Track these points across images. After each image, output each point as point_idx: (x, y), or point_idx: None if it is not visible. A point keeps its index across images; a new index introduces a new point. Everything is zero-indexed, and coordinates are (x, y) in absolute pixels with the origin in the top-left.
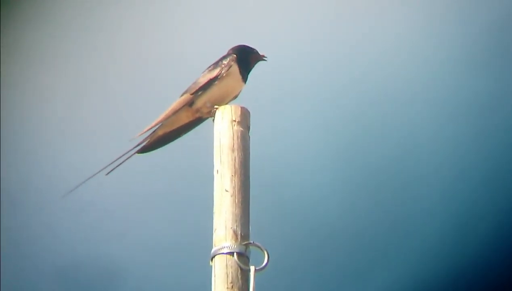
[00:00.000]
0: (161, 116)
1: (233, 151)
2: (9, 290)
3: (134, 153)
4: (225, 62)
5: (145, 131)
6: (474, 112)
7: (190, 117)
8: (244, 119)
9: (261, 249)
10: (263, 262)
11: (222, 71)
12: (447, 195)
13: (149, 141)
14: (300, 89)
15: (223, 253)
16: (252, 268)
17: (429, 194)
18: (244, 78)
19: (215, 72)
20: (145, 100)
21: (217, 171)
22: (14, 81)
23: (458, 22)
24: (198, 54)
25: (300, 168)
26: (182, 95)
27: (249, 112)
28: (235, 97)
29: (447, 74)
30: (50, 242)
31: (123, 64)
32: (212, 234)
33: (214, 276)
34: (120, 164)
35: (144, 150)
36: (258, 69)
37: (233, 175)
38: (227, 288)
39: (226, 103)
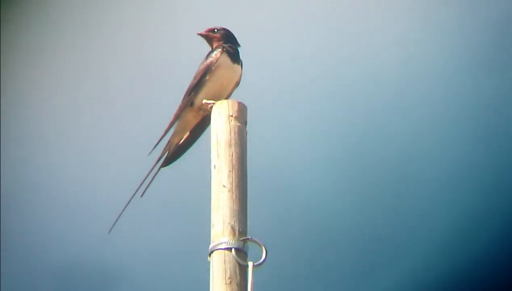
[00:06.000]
0: (168, 124)
1: (230, 146)
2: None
3: (159, 168)
4: (212, 55)
5: (157, 143)
6: (478, 113)
7: (198, 117)
8: (241, 114)
9: (259, 245)
10: (261, 257)
11: (211, 65)
12: (451, 197)
13: (169, 152)
14: (302, 88)
15: (221, 249)
16: (250, 264)
17: (432, 196)
18: (237, 62)
19: (205, 68)
20: (147, 99)
21: (214, 166)
22: (14, 81)
23: (461, 23)
24: (200, 53)
25: (299, 163)
26: (183, 99)
27: (246, 108)
28: (237, 84)
29: (449, 75)
30: (49, 243)
31: (124, 63)
32: (210, 230)
33: (212, 271)
34: (150, 183)
35: (168, 162)
36: (259, 67)
37: (231, 170)
38: (225, 283)
39: (229, 95)
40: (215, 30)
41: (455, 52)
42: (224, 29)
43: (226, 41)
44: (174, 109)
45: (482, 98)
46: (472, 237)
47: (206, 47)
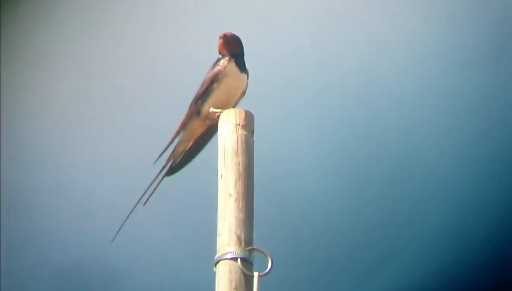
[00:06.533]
0: (174, 133)
1: (237, 155)
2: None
3: (163, 177)
4: (220, 63)
5: (163, 151)
6: (473, 111)
7: (204, 126)
8: (248, 123)
9: (265, 255)
10: (266, 267)
11: (219, 74)
12: (448, 193)
13: (173, 161)
14: (308, 96)
15: (226, 259)
16: (255, 274)
17: (430, 192)
18: (244, 71)
19: (212, 77)
20: (148, 100)
21: (221, 175)
22: (15, 82)
23: (457, 21)
24: (204, 53)
25: (306, 172)
26: (189, 107)
27: (253, 116)
28: (244, 93)
29: (445, 71)
30: (50, 243)
31: (126, 64)
32: (216, 239)
33: (218, 281)
34: (153, 191)
35: (173, 171)
36: (259, 70)
37: (237, 179)
38: None
39: (235, 104)
40: (224, 37)
41: (453, 49)
42: (232, 36)
43: (234, 49)
44: (180, 117)
45: (480, 95)
46: (470, 234)
47: (213, 53)
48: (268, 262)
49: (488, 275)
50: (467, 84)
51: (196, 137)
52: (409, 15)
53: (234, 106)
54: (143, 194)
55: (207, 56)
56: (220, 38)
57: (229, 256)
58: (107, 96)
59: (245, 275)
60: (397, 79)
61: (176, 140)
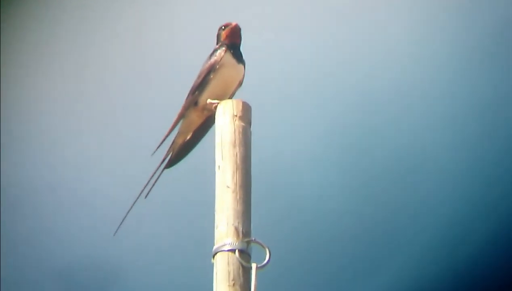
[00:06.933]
0: (172, 124)
1: (234, 146)
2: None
3: (163, 169)
4: (216, 54)
5: (161, 143)
6: (476, 113)
7: (202, 117)
8: (246, 114)
9: (263, 246)
10: (264, 259)
11: (215, 64)
12: (450, 196)
13: (172, 153)
14: (305, 87)
15: (224, 250)
16: (253, 265)
17: (432, 195)
18: (240, 60)
19: (209, 67)
20: (147, 99)
21: (219, 166)
22: (14, 81)
23: (460, 24)
24: (199, 51)
25: (303, 163)
26: (187, 98)
27: (250, 107)
28: (240, 84)
29: (449, 75)
30: (50, 243)
31: (124, 64)
32: (214, 231)
33: (216, 273)
34: (154, 184)
35: (172, 163)
36: (263, 67)
37: (235, 170)
38: (229, 285)
39: (232, 95)
40: (223, 28)
41: (455, 51)
42: (239, 27)
43: (236, 40)
44: (178, 109)
45: (482, 98)
46: (469, 235)
47: (209, 44)
48: (266, 254)
49: (492, 275)
50: (472, 87)
51: (195, 129)
52: (414, 19)
53: (230, 97)
54: (144, 187)
55: (202, 54)
56: (228, 26)
57: (227, 247)
58: (106, 94)
59: (243, 266)
60: (403, 83)
61: (175, 132)
